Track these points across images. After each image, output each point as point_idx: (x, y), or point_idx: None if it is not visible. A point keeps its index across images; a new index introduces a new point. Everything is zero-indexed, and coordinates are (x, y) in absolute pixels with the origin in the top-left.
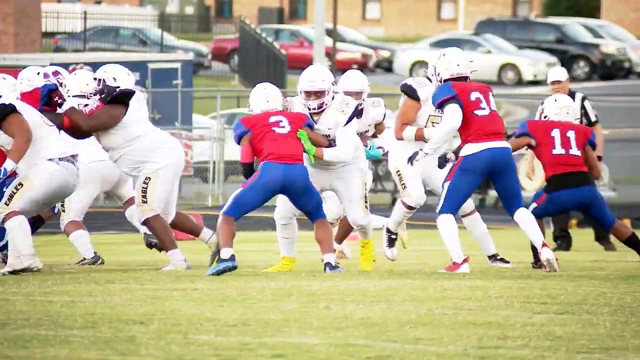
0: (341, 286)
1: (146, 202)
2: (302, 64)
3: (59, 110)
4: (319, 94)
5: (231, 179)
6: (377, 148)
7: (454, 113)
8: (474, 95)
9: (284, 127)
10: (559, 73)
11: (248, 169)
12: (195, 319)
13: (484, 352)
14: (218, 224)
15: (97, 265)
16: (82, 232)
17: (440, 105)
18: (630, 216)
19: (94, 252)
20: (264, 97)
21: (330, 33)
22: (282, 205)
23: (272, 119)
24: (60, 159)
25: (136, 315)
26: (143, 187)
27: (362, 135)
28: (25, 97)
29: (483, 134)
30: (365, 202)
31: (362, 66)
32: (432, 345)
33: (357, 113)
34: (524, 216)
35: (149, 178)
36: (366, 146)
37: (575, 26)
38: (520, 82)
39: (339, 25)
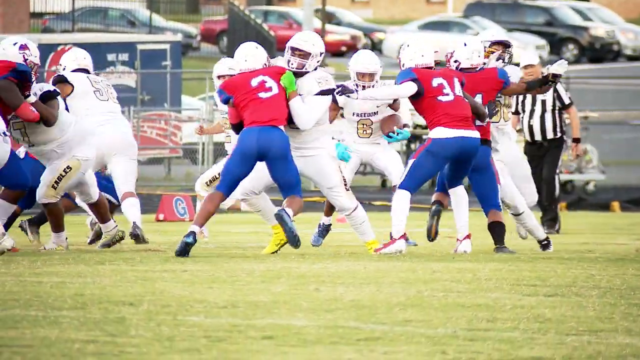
0: (331, 268)
1: (56, 189)
2: None
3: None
4: (303, 54)
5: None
6: (403, 127)
7: (409, 87)
8: (436, 82)
9: (270, 87)
10: (531, 57)
11: (237, 129)
12: (185, 300)
13: (474, 334)
14: (205, 198)
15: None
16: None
17: None
18: (619, 199)
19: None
20: (243, 57)
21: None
22: (241, 184)
23: (255, 82)
24: None
25: (126, 296)
26: (61, 175)
27: (379, 118)
28: None
29: (453, 120)
30: (345, 184)
31: (351, 48)
32: (422, 327)
33: (331, 92)
34: (461, 194)
35: (70, 168)
36: (392, 132)
37: (565, 9)
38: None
39: (334, 7)
